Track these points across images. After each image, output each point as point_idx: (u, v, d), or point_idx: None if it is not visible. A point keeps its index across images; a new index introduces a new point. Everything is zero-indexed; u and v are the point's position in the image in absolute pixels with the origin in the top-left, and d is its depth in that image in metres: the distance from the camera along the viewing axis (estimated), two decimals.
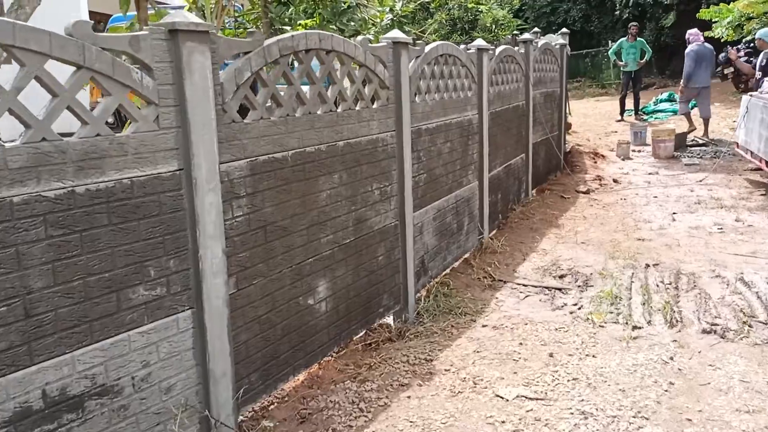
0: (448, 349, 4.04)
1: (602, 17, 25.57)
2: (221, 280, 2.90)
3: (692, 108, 13.01)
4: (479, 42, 6.18)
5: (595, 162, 10.55)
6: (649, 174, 9.76)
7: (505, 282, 5.41)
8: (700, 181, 9.06)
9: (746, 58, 17.35)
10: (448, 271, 5.59)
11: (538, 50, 8.33)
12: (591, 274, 5.48)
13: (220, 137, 2.88)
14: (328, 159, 3.72)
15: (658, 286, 5.09)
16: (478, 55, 6.11)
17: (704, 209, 7.54)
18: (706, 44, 12.05)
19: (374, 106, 4.22)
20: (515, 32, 13.29)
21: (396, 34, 4.40)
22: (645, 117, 15.84)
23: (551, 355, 3.87)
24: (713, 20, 13.68)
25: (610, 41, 22.04)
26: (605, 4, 25.14)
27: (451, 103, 5.48)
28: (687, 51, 12.07)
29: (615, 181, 9.31)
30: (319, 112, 3.63)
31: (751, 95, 8.73)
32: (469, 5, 13.52)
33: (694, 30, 12.33)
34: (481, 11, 13.50)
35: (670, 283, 5.12)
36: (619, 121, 15.68)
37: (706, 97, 12.02)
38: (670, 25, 22.69)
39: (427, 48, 4.93)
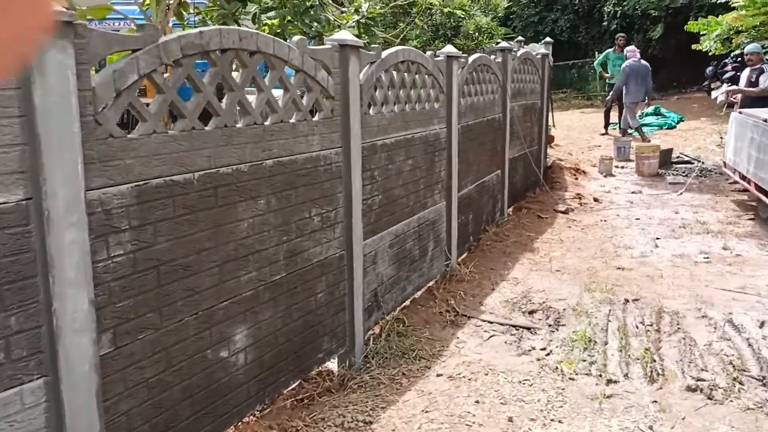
0: (393, 407, 3.45)
1: (590, 28, 25.25)
2: (87, 338, 2.29)
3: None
4: (449, 49, 5.62)
5: (576, 178, 10.04)
6: (632, 193, 9.26)
7: (469, 317, 4.84)
8: (680, 193, 8.61)
9: (733, 72, 17.07)
10: (408, 302, 5.01)
11: (517, 60, 7.80)
12: (564, 309, 4.93)
13: (88, 156, 2.28)
14: (251, 181, 3.13)
15: (637, 327, 4.54)
16: (448, 63, 5.55)
17: (689, 234, 7.03)
18: (642, 61, 12.83)
19: (315, 118, 3.63)
20: (499, 40, 12.81)
21: (344, 36, 3.82)
22: (629, 131, 15.41)
23: (510, 419, 3.29)
24: (701, 33, 13.27)
25: (597, 52, 21.65)
26: (593, 15, 24.83)
27: (414, 116, 4.91)
28: (622, 67, 12.95)
29: (596, 200, 8.80)
30: (239, 125, 3.04)
31: (740, 112, 8.27)
32: (452, 11, 13.02)
33: (632, 47, 13.29)
34: (464, 18, 12.98)
35: (651, 324, 4.58)
36: (603, 134, 15.24)
37: (634, 111, 12.94)
38: (657, 37, 22.41)
39: (385, 53, 4.36)
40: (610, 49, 15.12)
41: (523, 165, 8.55)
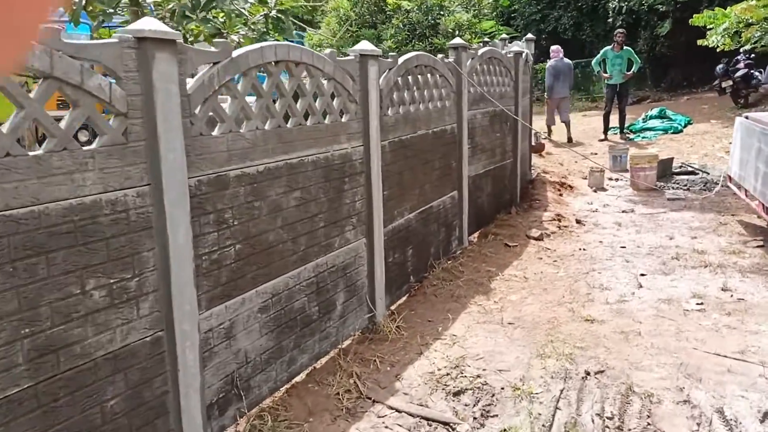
0: None
1: (594, 25, 23.89)
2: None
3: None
4: (363, 45, 4.43)
5: (561, 194, 8.79)
6: (623, 212, 8.00)
7: (374, 402, 3.65)
8: (676, 209, 7.32)
9: (746, 70, 15.67)
10: (301, 378, 3.84)
11: (478, 59, 6.60)
12: (502, 389, 3.72)
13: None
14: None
15: (593, 421, 3.33)
16: (361, 64, 4.37)
17: (682, 269, 5.77)
18: (565, 59, 13.62)
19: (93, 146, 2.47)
20: (486, 39, 11.61)
21: (145, 25, 2.64)
22: (631, 136, 14.11)
23: None
24: (708, 27, 11.94)
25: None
26: (597, 12, 23.48)
27: (301, 134, 3.74)
28: (546, 66, 13.97)
29: (578, 221, 7.55)
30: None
31: (747, 117, 6.98)
32: (429, 7, 11.87)
33: (555, 47, 13.94)
34: (442, 15, 11.82)
35: (612, 417, 3.36)
36: (602, 140, 13.94)
37: (565, 106, 13.71)
38: (665, 33, 21.00)
39: (237, 52, 3.18)
40: (608, 47, 13.82)
41: (492, 182, 7.33)
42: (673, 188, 9.09)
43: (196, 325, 2.93)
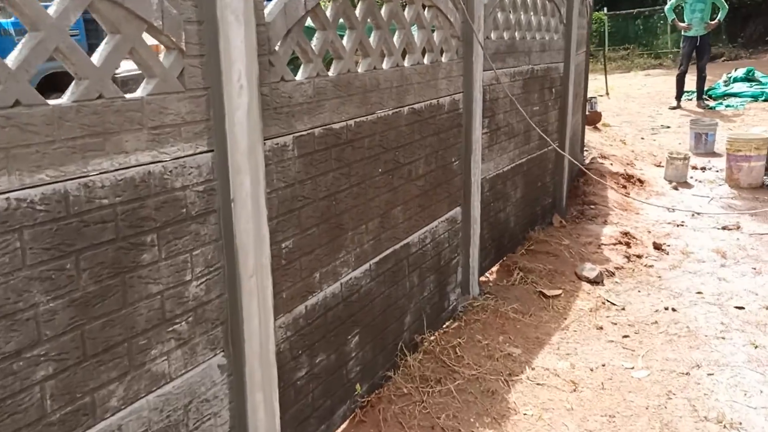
0: None
1: None
2: None
3: None
4: None
5: (627, 193, 6.09)
6: (723, 229, 5.28)
7: None
8: None
9: None
10: None
11: None
12: None
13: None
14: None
15: None
16: None
17: None
18: None
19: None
20: None
21: None
22: (711, 104, 11.11)
23: None
24: None
25: None
26: None
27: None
28: None
29: (658, 247, 4.88)
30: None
31: None
32: None
33: None
34: None
35: None
36: (674, 108, 11.01)
37: None
38: None
39: None
40: None
41: (524, 182, 4.72)
42: None
43: None
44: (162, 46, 1.80)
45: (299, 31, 2.28)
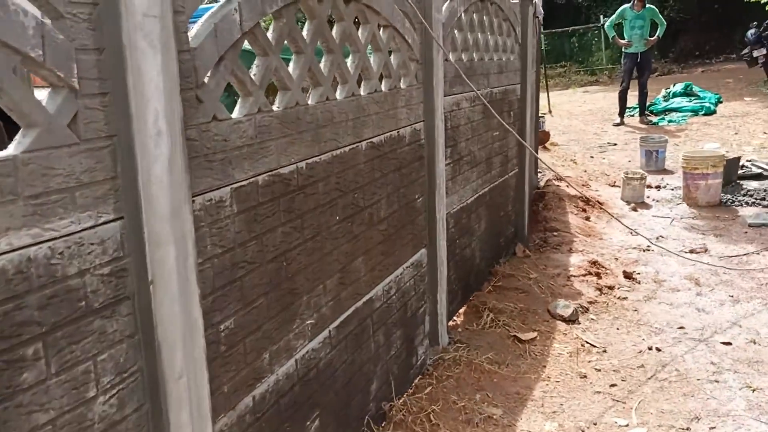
0: None
1: None
2: None
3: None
4: None
5: (587, 217, 5.84)
6: (691, 250, 5.08)
7: None
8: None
9: None
10: None
11: (464, 1, 3.56)
12: None
13: None
14: None
15: None
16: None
17: None
18: None
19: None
20: None
21: None
22: (654, 119, 11.18)
23: None
24: None
25: (602, 15, 17.29)
26: None
27: None
28: None
29: (628, 276, 4.61)
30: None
31: None
32: None
33: None
34: None
35: None
36: (618, 124, 11.02)
37: None
38: None
39: None
40: (627, 6, 10.79)
41: (488, 213, 4.37)
42: (747, 203, 6.19)
43: None
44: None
45: (234, 58, 1.84)
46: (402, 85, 2.97)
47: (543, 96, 13.29)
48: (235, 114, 1.89)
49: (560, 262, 4.76)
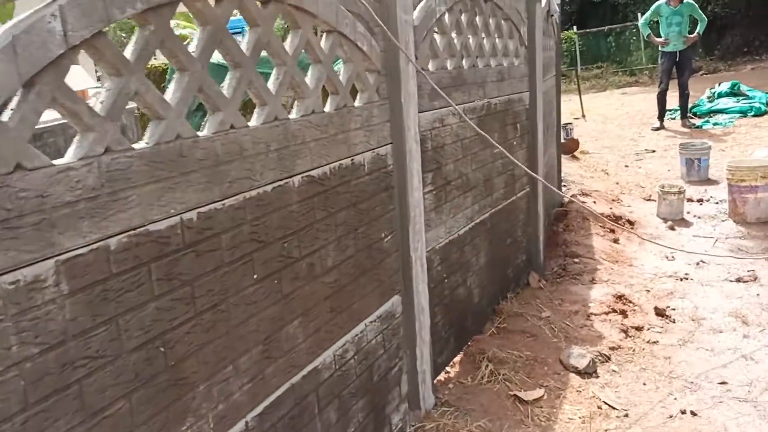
0: None
1: None
2: None
3: None
4: None
5: (616, 239, 5.16)
6: (737, 281, 4.35)
7: None
8: None
9: None
10: None
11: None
12: None
13: None
14: None
15: None
16: None
17: None
18: None
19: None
20: None
21: None
22: (697, 122, 10.32)
23: None
24: None
25: (640, 13, 16.36)
26: None
27: None
28: None
29: (660, 313, 3.93)
30: None
31: None
32: None
33: None
34: None
35: None
36: (657, 128, 10.19)
37: None
38: None
39: None
40: (662, 1, 10.00)
41: (490, 242, 3.77)
42: None
43: None
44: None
45: (58, 80, 1.34)
46: (357, 103, 2.43)
47: (575, 98, 12.56)
48: (64, 159, 1.38)
49: (579, 296, 4.11)
